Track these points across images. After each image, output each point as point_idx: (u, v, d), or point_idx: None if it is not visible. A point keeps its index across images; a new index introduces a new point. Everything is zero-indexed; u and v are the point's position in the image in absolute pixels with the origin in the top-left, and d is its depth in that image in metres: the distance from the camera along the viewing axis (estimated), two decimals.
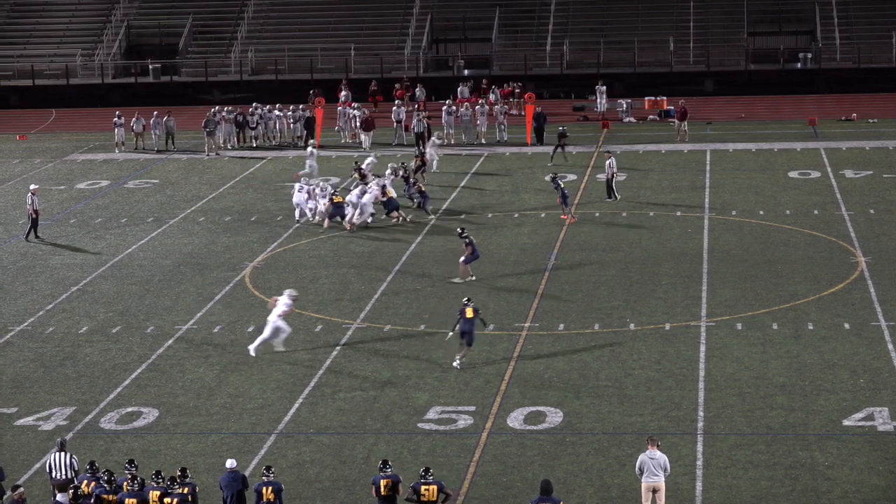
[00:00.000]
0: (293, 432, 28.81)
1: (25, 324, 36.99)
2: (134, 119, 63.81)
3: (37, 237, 46.23)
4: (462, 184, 53.52)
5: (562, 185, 46.99)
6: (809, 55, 76.10)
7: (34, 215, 46.25)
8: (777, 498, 24.98)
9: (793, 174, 53.88)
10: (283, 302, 34.18)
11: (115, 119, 64.07)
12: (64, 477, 24.48)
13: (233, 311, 37.50)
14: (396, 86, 72.29)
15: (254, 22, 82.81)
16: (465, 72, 77.69)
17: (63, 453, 24.90)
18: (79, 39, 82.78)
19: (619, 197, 49.23)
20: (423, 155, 54.71)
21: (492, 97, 68.31)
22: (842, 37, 76.95)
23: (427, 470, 23.51)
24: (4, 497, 23.91)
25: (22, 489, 23.64)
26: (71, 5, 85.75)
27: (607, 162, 49.40)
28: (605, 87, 70.59)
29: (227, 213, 49.61)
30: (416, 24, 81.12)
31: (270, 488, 23.57)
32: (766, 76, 76.47)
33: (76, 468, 24.67)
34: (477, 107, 64.57)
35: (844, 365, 31.64)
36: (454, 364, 32.21)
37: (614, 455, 27.03)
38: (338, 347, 34.12)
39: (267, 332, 33.88)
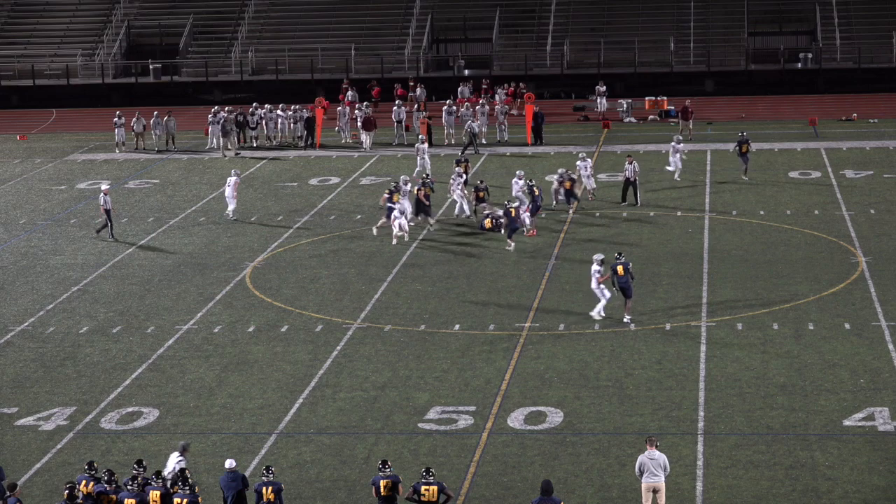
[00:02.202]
0: (293, 432, 28.81)
1: (26, 324, 36.99)
2: (134, 119, 63.80)
3: (96, 234, 46.14)
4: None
5: (536, 191, 46.28)
6: (810, 55, 76.11)
7: (106, 215, 45.95)
8: (777, 498, 24.99)
9: (793, 174, 53.87)
10: (593, 269, 35.53)
11: (116, 119, 64.07)
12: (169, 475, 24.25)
13: (233, 311, 37.50)
14: (397, 85, 72.30)
15: (254, 22, 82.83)
16: (466, 72, 77.71)
17: (175, 454, 24.74)
18: (79, 39, 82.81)
19: (626, 203, 48.79)
20: (467, 163, 51.87)
21: (497, 98, 68.38)
22: (842, 37, 76.96)
23: (428, 470, 23.52)
24: (6, 496, 23.84)
25: (17, 488, 23.65)
26: (71, 5, 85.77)
27: (631, 165, 48.68)
28: (605, 88, 70.59)
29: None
30: (416, 24, 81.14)
31: (270, 488, 23.57)
32: (767, 76, 76.51)
33: (170, 471, 24.25)
34: (477, 107, 64.57)
35: (845, 365, 31.64)
36: (625, 319, 34.94)
37: (615, 455, 27.03)
38: (338, 347, 34.13)
39: (601, 298, 35.55)
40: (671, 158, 53.33)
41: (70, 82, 79.48)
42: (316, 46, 79.50)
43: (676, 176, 52.82)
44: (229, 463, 24.20)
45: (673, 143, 53.50)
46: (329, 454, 27.57)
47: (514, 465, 26.79)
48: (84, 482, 23.70)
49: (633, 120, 68.25)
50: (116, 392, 31.45)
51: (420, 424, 28.95)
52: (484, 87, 72.09)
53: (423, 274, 40.59)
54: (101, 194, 46.21)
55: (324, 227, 46.91)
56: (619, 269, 35.03)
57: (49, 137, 69.08)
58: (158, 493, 23.28)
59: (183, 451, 24.95)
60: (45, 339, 35.53)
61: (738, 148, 53.15)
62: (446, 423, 29.01)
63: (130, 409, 30.37)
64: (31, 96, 79.64)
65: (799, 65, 76.36)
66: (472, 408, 29.76)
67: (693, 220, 46.34)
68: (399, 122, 63.82)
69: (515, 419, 29.08)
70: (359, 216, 48.31)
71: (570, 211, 47.53)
